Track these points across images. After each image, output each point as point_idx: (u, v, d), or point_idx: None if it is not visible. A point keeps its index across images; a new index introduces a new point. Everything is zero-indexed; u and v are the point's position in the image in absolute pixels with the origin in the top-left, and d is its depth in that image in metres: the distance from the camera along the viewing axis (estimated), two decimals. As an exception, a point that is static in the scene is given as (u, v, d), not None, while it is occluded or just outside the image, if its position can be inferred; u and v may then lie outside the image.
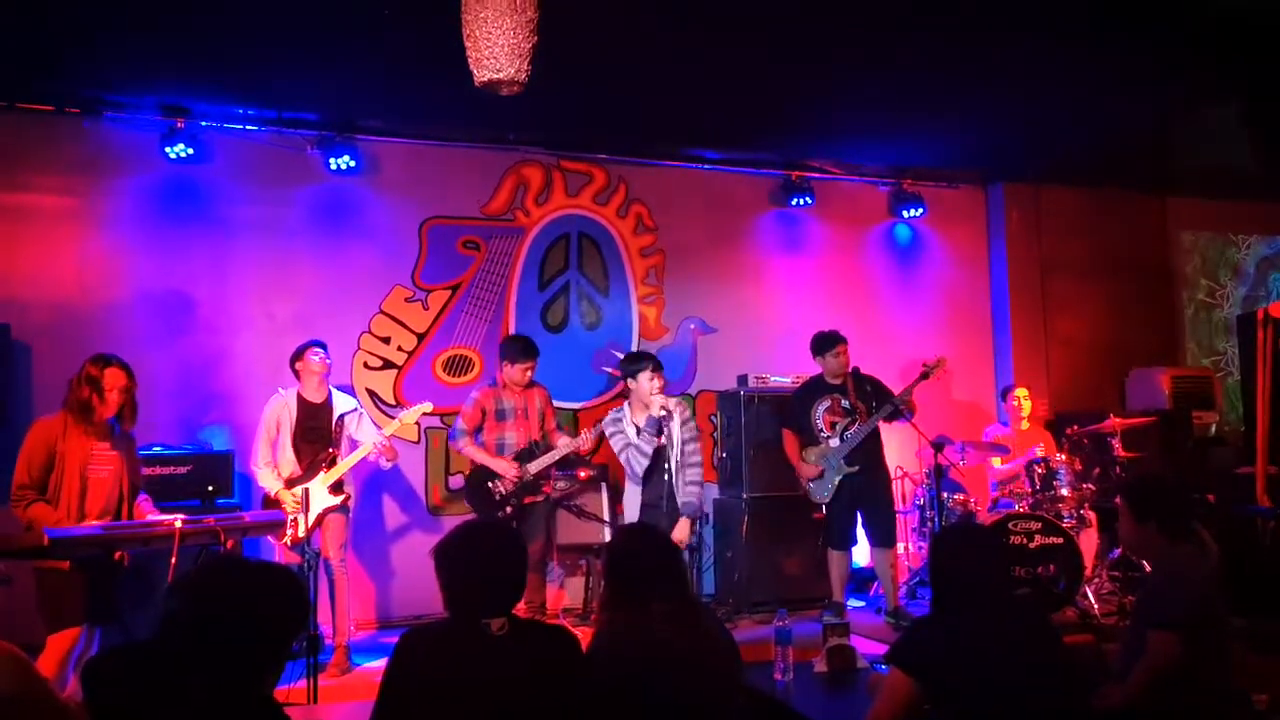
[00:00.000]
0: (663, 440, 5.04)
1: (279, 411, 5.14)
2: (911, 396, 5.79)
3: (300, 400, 5.18)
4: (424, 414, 5.43)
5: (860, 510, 5.82)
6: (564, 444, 5.46)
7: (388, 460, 5.23)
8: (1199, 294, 8.66)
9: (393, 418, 5.64)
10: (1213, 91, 6.07)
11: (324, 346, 5.27)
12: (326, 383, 5.27)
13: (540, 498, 5.52)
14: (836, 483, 5.75)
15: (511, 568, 2.50)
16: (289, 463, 5.08)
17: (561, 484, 6.10)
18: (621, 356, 5.89)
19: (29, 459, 4.00)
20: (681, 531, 5.00)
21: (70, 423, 4.03)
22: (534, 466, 5.37)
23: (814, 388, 5.98)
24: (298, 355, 5.21)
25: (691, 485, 5.10)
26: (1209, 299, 8.68)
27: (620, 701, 2.47)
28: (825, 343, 5.91)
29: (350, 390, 5.92)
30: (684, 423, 5.15)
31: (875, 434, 5.81)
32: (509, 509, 5.31)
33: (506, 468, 5.33)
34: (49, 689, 2.23)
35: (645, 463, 5.03)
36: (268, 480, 5.06)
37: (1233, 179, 7.90)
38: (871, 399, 5.82)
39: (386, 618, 6.14)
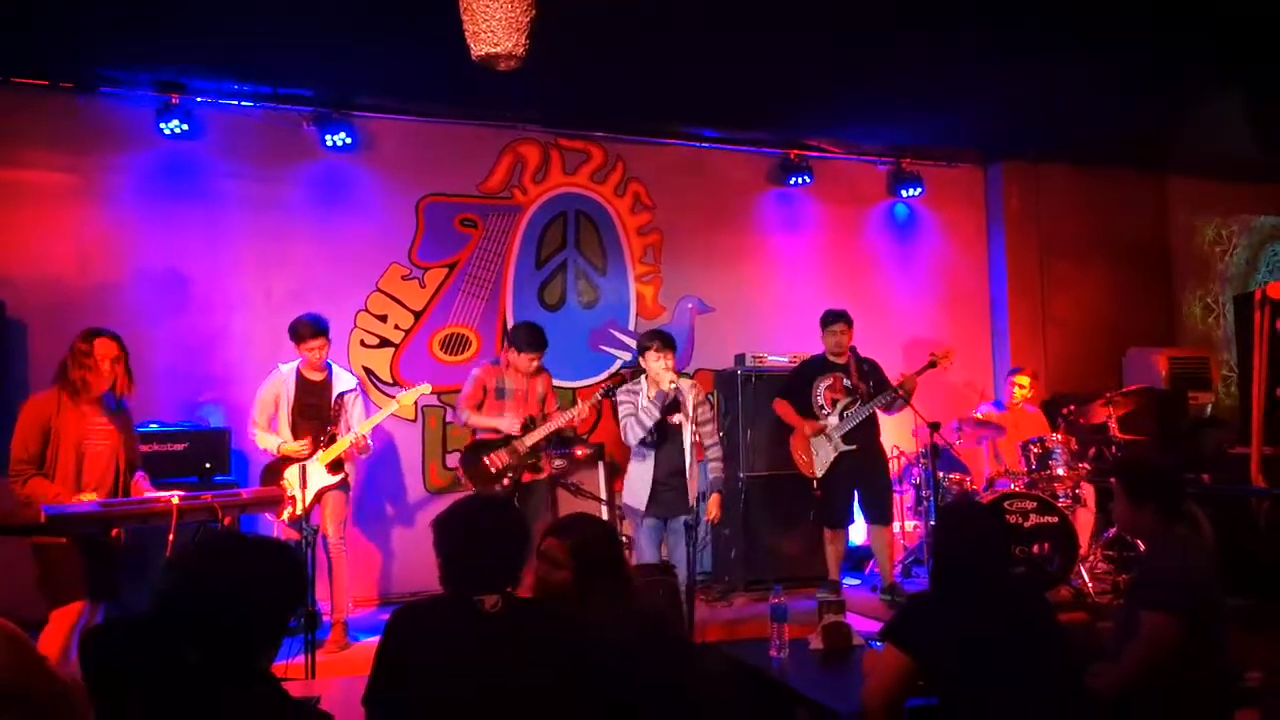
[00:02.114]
0: (676, 419, 5.03)
1: (277, 388, 5.12)
2: (913, 383, 5.80)
3: (299, 377, 5.16)
4: (422, 394, 5.42)
5: (857, 489, 5.86)
6: (561, 415, 5.41)
7: (359, 452, 5.21)
8: (1197, 273, 8.65)
9: (390, 396, 5.59)
10: (1213, 73, 6.05)
11: (323, 332, 5.11)
12: (326, 362, 5.25)
13: (541, 475, 5.45)
14: (832, 460, 5.77)
15: (509, 545, 2.49)
16: (287, 439, 5.07)
17: (559, 462, 6.09)
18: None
19: (24, 436, 3.99)
20: (715, 508, 5.00)
21: (64, 398, 4.02)
22: (530, 438, 5.35)
23: (817, 364, 6.01)
24: (296, 340, 5.11)
25: (714, 462, 5.10)
26: (1207, 278, 8.67)
27: (616, 681, 2.48)
28: (826, 319, 5.96)
29: (348, 368, 5.91)
30: (699, 404, 5.12)
31: (872, 414, 5.84)
32: (506, 481, 5.28)
33: (511, 421, 5.27)
34: (48, 667, 2.24)
35: (640, 434, 4.97)
36: (267, 440, 5.04)
37: (1233, 160, 7.87)
38: (871, 380, 5.84)
39: (386, 594, 6.16)
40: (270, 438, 5.05)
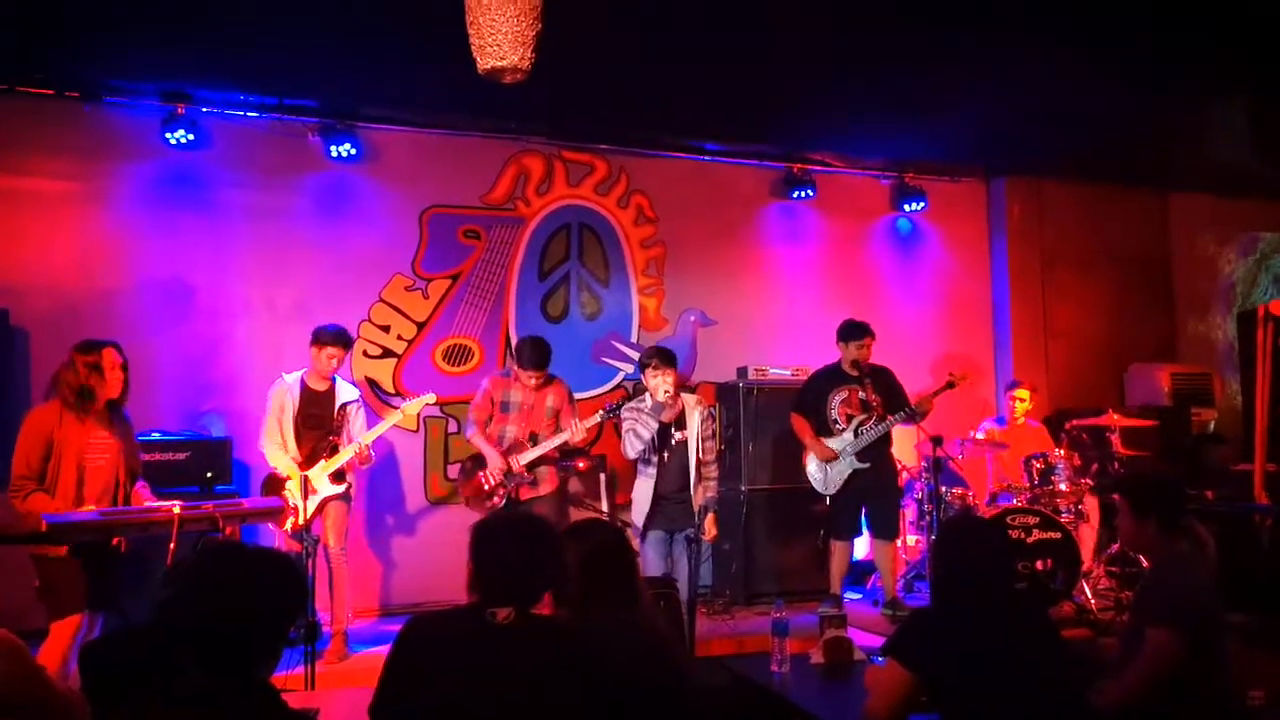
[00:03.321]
0: (683, 435, 5.03)
1: (282, 397, 5.12)
2: (930, 404, 5.77)
3: (303, 387, 5.17)
4: (426, 405, 5.42)
5: (866, 502, 5.83)
6: (556, 436, 5.35)
7: (362, 463, 5.19)
8: (1199, 288, 8.64)
9: (393, 406, 5.57)
10: (1215, 86, 6.06)
11: (345, 344, 5.15)
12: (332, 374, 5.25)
13: (540, 491, 5.36)
14: (845, 477, 5.75)
15: (543, 564, 2.48)
16: (291, 449, 5.07)
17: (559, 474, 6.08)
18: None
19: (27, 450, 3.97)
20: (712, 527, 5.00)
21: (66, 412, 4.01)
22: (522, 458, 5.30)
23: (832, 376, 5.92)
24: (317, 343, 5.12)
25: (710, 480, 5.09)
26: (1209, 294, 8.67)
27: (618, 694, 2.47)
28: (853, 332, 5.83)
29: (350, 379, 5.91)
30: (704, 420, 5.12)
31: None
32: (496, 499, 5.27)
33: (497, 463, 5.28)
34: (46, 678, 2.24)
35: (640, 446, 4.99)
36: (279, 459, 5.03)
37: (1235, 175, 7.88)
38: (887, 396, 5.79)
39: (387, 605, 6.14)
40: (283, 457, 5.02)
